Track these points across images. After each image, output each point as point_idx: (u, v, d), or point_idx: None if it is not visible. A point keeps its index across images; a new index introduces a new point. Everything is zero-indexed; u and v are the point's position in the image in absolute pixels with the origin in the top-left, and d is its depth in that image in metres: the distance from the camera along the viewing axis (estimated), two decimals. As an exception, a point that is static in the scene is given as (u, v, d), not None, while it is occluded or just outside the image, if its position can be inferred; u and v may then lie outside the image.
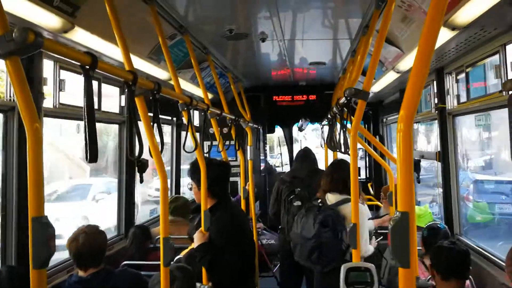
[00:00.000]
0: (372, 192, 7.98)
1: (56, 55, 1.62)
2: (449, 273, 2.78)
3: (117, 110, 4.44)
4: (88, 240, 3.08)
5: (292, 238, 3.86)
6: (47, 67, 3.15)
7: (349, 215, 3.51)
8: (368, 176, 8.68)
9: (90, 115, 1.70)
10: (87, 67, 1.72)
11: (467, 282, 3.09)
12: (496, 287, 3.30)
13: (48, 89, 3.16)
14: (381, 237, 4.21)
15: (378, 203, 6.28)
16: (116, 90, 4.39)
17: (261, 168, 8.44)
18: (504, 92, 3.00)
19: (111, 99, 4.39)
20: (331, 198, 3.71)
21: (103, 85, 3.95)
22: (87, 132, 1.67)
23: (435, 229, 3.63)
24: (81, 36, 2.80)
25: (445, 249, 2.90)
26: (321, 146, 7.83)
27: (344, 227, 3.50)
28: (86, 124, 1.68)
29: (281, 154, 10.02)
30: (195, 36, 4.10)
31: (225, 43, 4.57)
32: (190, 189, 3.44)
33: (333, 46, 5.03)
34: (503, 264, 3.37)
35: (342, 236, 3.49)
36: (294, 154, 5.60)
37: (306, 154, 5.17)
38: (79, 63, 1.70)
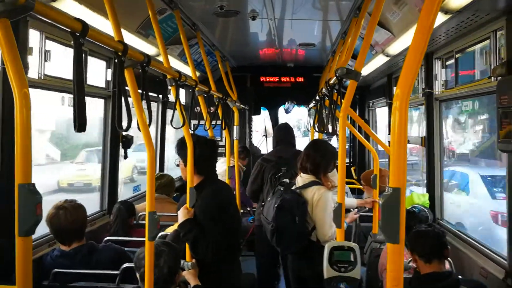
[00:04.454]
0: (355, 176, 8.05)
1: (42, 24, 1.58)
2: (432, 256, 2.83)
3: (103, 85, 4.37)
4: (69, 215, 3.05)
5: (261, 219, 3.91)
6: (33, 37, 3.07)
7: (310, 199, 3.55)
8: (351, 160, 8.74)
9: (79, 83, 1.66)
10: (77, 34, 1.67)
11: (447, 264, 3.16)
12: (475, 270, 3.37)
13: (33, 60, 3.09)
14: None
15: (361, 187, 6.33)
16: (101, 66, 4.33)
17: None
18: (492, 78, 3.03)
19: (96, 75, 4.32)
20: (300, 180, 3.73)
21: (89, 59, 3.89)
22: (76, 100, 1.64)
23: (410, 212, 3.69)
24: (69, 6, 2.73)
25: (423, 233, 2.95)
26: (307, 129, 7.85)
27: (302, 211, 3.52)
28: (75, 92, 1.64)
29: (266, 136, 9.99)
30: (185, 11, 4.04)
31: (215, 20, 4.52)
32: (178, 165, 3.42)
33: (323, 27, 5.00)
34: (483, 248, 3.45)
35: (301, 220, 3.51)
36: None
37: (291, 135, 5.19)
38: (69, 30, 1.64)
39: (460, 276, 2.94)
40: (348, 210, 3.93)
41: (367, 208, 4.39)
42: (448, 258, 3.12)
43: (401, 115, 1.39)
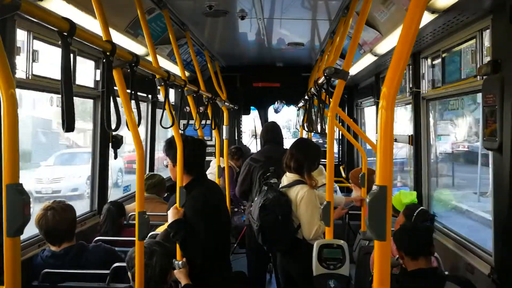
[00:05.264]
0: (344, 174, 8.09)
1: (30, 23, 1.57)
2: (418, 253, 2.86)
3: (92, 85, 4.35)
4: (58, 216, 3.04)
5: (249, 219, 3.94)
6: (20, 37, 3.05)
7: (294, 198, 3.60)
8: (340, 159, 8.78)
9: (67, 83, 1.66)
10: (65, 33, 1.66)
11: (434, 261, 3.19)
12: (461, 267, 3.41)
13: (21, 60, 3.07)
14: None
15: (350, 185, 6.37)
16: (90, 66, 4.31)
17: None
18: (478, 77, 3.06)
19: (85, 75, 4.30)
20: (285, 179, 3.77)
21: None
22: (64, 100, 1.63)
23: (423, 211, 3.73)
24: (57, 5, 2.71)
25: (409, 230, 2.98)
26: (297, 128, 7.88)
27: (285, 210, 3.56)
28: (63, 92, 1.64)
29: (255, 136, 10.00)
30: (174, 11, 4.03)
31: (204, 20, 4.51)
32: (167, 166, 3.42)
33: (311, 26, 5.02)
34: (470, 245, 3.49)
35: (285, 218, 3.55)
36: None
37: (278, 134, 5.19)
38: (56, 29, 1.64)
39: (446, 272, 2.97)
40: (335, 208, 3.96)
41: (354, 203, 4.43)
42: (436, 255, 3.16)
43: (388, 114, 1.40)
